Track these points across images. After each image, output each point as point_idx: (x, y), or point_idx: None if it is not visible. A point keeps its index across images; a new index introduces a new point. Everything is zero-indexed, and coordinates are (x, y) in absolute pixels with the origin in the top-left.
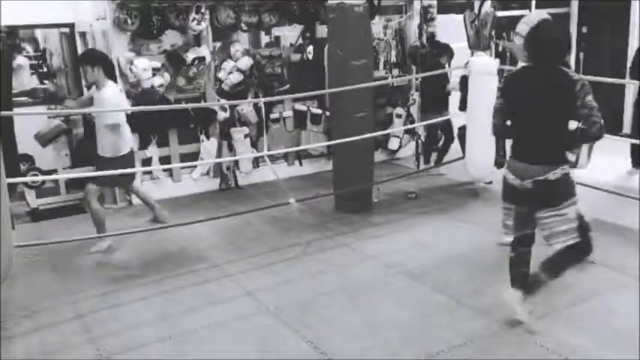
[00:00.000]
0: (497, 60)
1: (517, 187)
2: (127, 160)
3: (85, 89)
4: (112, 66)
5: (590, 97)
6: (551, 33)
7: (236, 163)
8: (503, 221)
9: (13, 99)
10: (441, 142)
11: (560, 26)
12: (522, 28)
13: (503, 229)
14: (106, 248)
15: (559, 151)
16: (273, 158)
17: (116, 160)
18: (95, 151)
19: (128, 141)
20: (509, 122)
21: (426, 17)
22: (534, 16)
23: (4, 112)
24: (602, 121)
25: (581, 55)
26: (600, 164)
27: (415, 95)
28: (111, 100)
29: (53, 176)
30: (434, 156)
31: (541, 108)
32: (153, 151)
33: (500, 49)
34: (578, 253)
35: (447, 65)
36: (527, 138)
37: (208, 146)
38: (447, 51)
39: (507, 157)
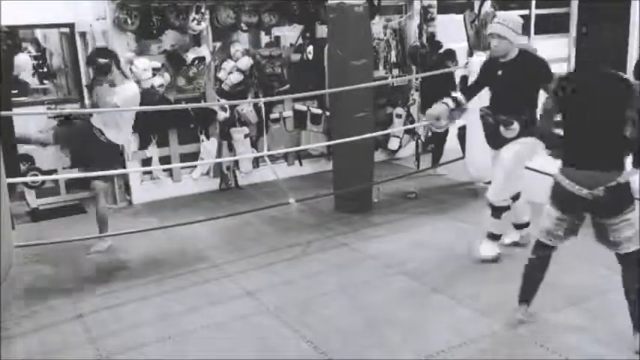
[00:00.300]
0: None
1: (583, 196)
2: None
3: (84, 89)
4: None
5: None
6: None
7: (236, 163)
8: (551, 231)
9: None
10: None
11: None
12: (500, 29)
13: (546, 238)
14: (106, 248)
15: (622, 155)
16: (273, 158)
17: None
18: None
19: (123, 136)
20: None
21: (426, 17)
22: (513, 17)
23: (4, 112)
24: None
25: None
26: None
27: (415, 95)
28: (133, 91)
29: (53, 176)
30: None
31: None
32: (153, 151)
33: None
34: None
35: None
36: (589, 144)
37: (208, 146)
38: (452, 57)
39: (561, 167)
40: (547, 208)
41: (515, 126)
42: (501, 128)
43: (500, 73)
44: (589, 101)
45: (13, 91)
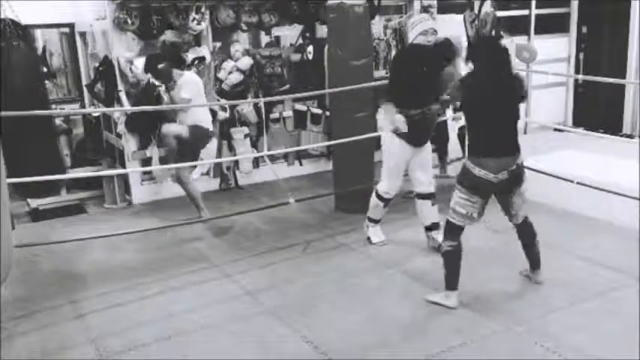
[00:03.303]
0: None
1: (491, 180)
2: (201, 132)
3: (84, 89)
4: (176, 59)
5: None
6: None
7: (236, 163)
8: (468, 214)
9: None
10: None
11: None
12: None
13: (462, 221)
14: (205, 218)
15: (517, 141)
16: (273, 158)
17: (195, 129)
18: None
19: (203, 119)
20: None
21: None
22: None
23: (4, 113)
24: None
25: (581, 55)
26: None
27: None
28: (191, 79)
29: (53, 176)
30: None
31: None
32: (153, 151)
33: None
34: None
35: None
36: (493, 135)
37: (208, 146)
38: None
39: (467, 157)
40: (457, 194)
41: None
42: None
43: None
44: (490, 98)
45: None
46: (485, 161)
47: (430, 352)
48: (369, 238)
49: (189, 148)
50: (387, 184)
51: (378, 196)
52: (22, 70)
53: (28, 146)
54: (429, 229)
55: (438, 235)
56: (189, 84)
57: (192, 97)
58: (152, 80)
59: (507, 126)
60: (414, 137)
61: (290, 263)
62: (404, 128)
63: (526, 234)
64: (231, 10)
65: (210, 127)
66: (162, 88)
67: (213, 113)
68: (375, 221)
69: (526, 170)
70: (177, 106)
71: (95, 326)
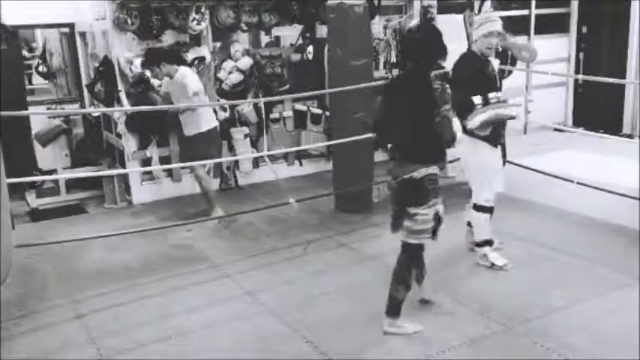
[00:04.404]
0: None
1: (390, 184)
2: (212, 136)
3: (84, 89)
4: (175, 55)
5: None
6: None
7: (236, 163)
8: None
9: None
10: None
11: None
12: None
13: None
14: (218, 222)
15: (426, 151)
16: (273, 158)
17: (198, 138)
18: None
19: (209, 118)
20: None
21: (426, 17)
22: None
23: (4, 113)
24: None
25: (581, 55)
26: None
27: None
28: (188, 75)
29: (53, 176)
30: None
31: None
32: (153, 151)
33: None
34: (417, 254)
35: None
36: (397, 139)
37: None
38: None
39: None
40: None
41: None
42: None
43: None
44: (396, 99)
45: None
46: (392, 164)
47: (430, 352)
48: (492, 265)
49: (205, 151)
50: (486, 193)
51: (481, 208)
52: (7, 73)
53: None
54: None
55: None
56: (192, 77)
57: (199, 90)
58: (148, 75)
59: (420, 130)
60: (495, 136)
61: (290, 263)
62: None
63: (400, 258)
64: (231, 10)
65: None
66: (157, 83)
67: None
68: (490, 243)
69: (438, 214)
70: (179, 106)
71: (95, 326)
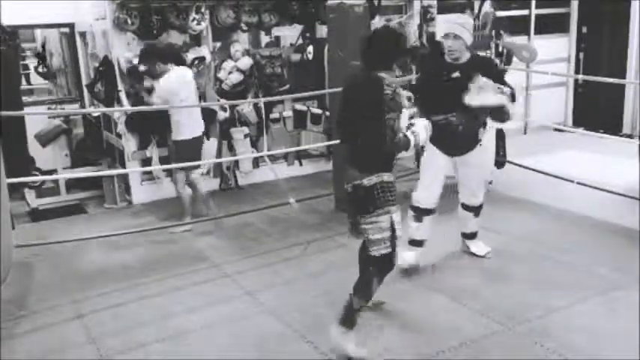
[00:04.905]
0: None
1: (345, 190)
2: (186, 146)
3: (84, 89)
4: (170, 54)
5: (389, 118)
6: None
7: (236, 163)
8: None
9: None
10: None
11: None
12: (455, 28)
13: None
14: (181, 232)
15: (376, 159)
16: (273, 158)
17: (176, 144)
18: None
19: (189, 127)
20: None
21: (426, 17)
22: (467, 18)
23: (4, 112)
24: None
25: (581, 55)
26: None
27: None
28: (171, 78)
29: (53, 176)
30: None
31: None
32: (153, 151)
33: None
34: (382, 266)
35: None
36: (350, 144)
37: (208, 146)
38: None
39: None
40: None
41: (482, 130)
42: (481, 131)
43: (455, 75)
44: (347, 103)
45: None
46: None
47: (430, 352)
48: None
49: (187, 158)
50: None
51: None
52: (3, 73)
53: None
54: (465, 236)
55: (474, 245)
56: (170, 82)
57: (165, 95)
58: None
59: (366, 137)
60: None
61: (290, 263)
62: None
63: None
64: (231, 10)
65: (202, 129)
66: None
67: (213, 113)
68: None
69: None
70: (182, 106)
71: (95, 326)
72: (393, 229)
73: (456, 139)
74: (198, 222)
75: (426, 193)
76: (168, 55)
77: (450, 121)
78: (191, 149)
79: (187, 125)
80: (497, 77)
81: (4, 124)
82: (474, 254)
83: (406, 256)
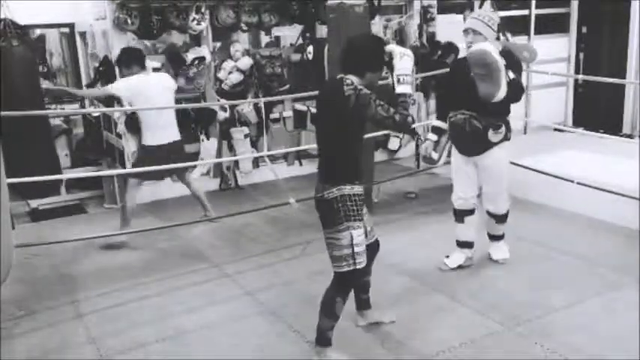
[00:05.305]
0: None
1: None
2: (173, 149)
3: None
4: (132, 58)
5: (375, 110)
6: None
7: (236, 163)
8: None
9: None
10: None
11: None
12: (475, 24)
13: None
14: (119, 243)
15: (340, 170)
16: (273, 158)
17: (160, 149)
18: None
19: (151, 135)
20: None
21: (426, 17)
22: (490, 14)
23: (4, 113)
24: (398, 117)
25: (581, 55)
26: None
27: (415, 95)
28: (131, 82)
29: (53, 176)
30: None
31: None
32: None
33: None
34: (343, 284)
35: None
36: (320, 154)
37: (208, 146)
38: (451, 50)
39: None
40: None
41: (502, 129)
42: (490, 132)
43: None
44: (318, 109)
45: None
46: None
47: (430, 352)
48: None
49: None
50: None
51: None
52: (20, 71)
53: (26, 147)
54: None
55: (494, 247)
56: (128, 85)
57: (128, 100)
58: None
59: (328, 148)
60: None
61: (290, 263)
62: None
63: (329, 286)
64: (231, 10)
65: (171, 139)
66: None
67: (213, 113)
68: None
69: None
70: (186, 105)
71: (95, 326)
72: (352, 247)
73: (467, 137)
74: (198, 222)
75: (457, 195)
76: (142, 60)
77: (463, 118)
78: (148, 156)
79: (149, 133)
80: (516, 68)
81: (29, 125)
82: (490, 257)
83: (453, 259)
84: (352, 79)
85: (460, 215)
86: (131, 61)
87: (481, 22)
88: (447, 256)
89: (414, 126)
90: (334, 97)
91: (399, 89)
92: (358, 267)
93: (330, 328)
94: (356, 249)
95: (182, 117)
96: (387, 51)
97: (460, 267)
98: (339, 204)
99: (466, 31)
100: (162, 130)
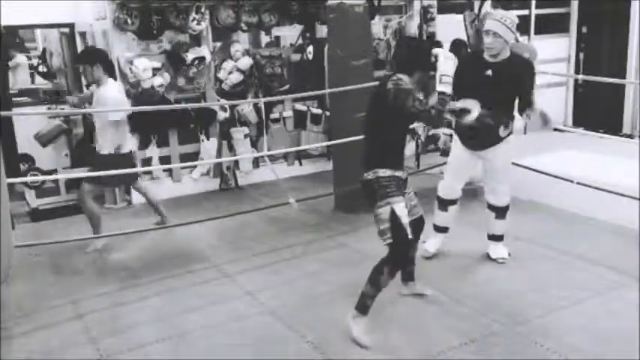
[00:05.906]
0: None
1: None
2: (127, 159)
3: (85, 89)
4: (112, 64)
5: (412, 104)
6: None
7: (236, 163)
8: None
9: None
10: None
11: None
12: (496, 26)
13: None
14: (101, 247)
15: (378, 156)
16: (273, 158)
17: (115, 158)
18: (93, 150)
19: (128, 141)
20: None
21: (426, 17)
22: (510, 16)
23: (4, 113)
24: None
25: (581, 55)
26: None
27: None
28: (114, 97)
29: (53, 176)
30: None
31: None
32: (153, 151)
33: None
34: (390, 256)
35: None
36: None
37: (208, 146)
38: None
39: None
40: None
41: (510, 125)
42: (501, 129)
43: (490, 72)
44: (368, 102)
45: None
46: None
47: (430, 352)
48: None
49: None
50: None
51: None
52: None
53: None
54: (490, 238)
55: (493, 247)
56: (116, 98)
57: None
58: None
59: (368, 137)
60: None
61: (290, 263)
62: None
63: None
64: (231, 10)
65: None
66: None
67: (213, 113)
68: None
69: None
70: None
71: (95, 326)
72: (392, 220)
73: (477, 133)
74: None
75: (445, 184)
76: (109, 63)
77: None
78: (108, 164)
79: (107, 140)
80: (530, 83)
81: None
82: (489, 256)
83: (431, 244)
84: (401, 76)
85: (444, 204)
86: (111, 67)
87: (503, 25)
88: (424, 242)
89: (412, 126)
90: (379, 91)
91: (440, 88)
92: (400, 240)
93: (371, 297)
94: (399, 221)
95: (182, 117)
96: (433, 54)
97: (460, 267)
98: (376, 184)
99: (487, 33)
100: (117, 141)
